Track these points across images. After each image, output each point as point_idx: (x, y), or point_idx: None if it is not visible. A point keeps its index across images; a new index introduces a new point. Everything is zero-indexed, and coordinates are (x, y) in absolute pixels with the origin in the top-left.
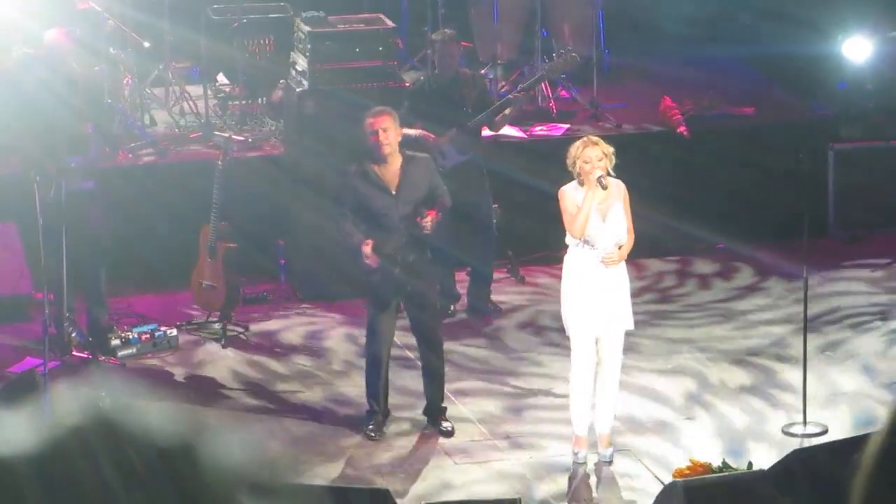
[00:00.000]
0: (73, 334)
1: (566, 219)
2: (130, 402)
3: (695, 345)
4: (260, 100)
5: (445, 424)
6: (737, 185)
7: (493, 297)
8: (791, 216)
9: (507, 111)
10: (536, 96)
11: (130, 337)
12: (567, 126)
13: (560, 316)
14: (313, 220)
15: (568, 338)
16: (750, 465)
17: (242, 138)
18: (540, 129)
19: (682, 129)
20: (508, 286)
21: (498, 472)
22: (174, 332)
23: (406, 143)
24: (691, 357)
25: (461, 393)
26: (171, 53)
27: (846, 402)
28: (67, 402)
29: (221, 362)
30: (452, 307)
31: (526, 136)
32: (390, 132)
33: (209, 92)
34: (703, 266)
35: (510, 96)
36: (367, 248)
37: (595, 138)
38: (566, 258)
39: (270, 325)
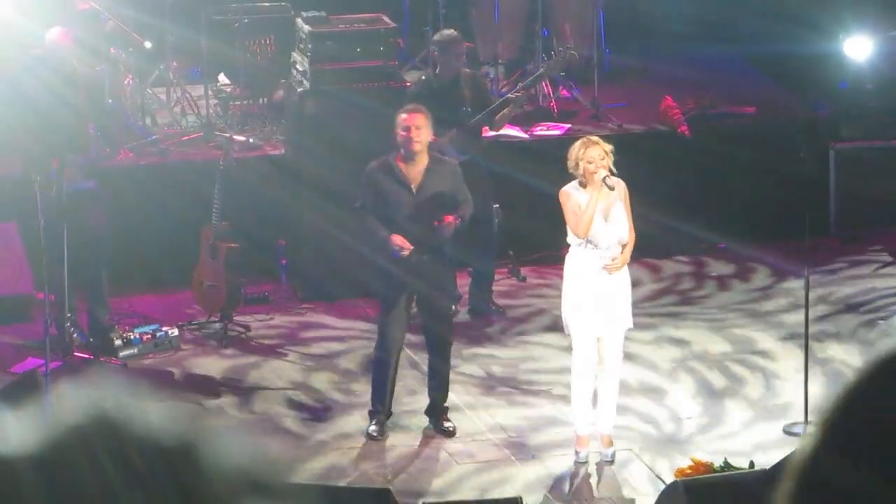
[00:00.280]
0: (75, 334)
1: (569, 219)
2: (132, 403)
3: (697, 343)
4: (261, 100)
5: (447, 424)
6: (738, 184)
7: (494, 297)
8: (792, 215)
9: (506, 110)
10: (537, 96)
11: (132, 337)
12: (568, 126)
13: (561, 315)
14: (314, 221)
15: (569, 337)
16: (752, 464)
17: (243, 138)
18: (541, 129)
19: (683, 128)
20: (509, 286)
21: (499, 471)
22: (175, 332)
23: None
24: (692, 355)
25: (463, 393)
26: (172, 53)
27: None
28: (69, 403)
29: (222, 362)
30: (454, 307)
31: (527, 136)
32: (423, 131)
33: (210, 92)
34: (708, 266)
35: (510, 95)
36: (397, 239)
37: (594, 138)
38: (568, 258)
39: (271, 325)
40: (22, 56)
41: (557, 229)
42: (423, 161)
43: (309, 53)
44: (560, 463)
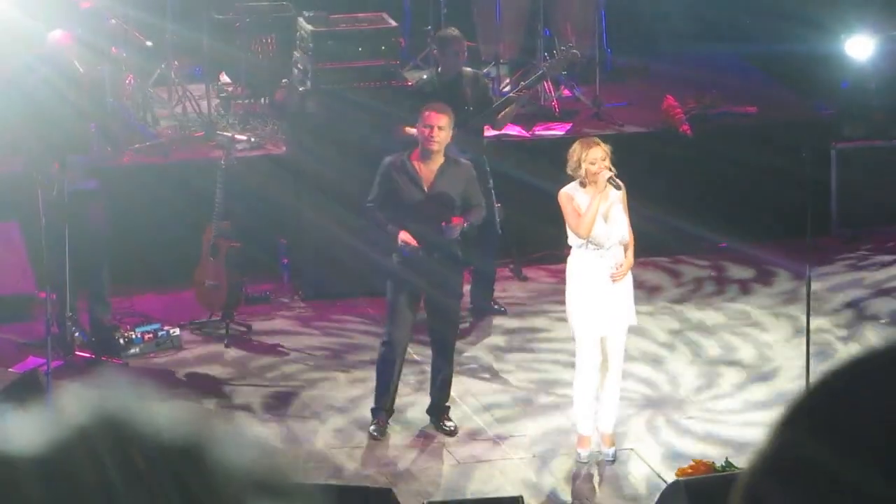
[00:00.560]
0: (76, 334)
1: (571, 221)
2: (138, 403)
3: (698, 342)
4: (262, 99)
5: (448, 424)
6: (739, 184)
7: (496, 296)
8: (794, 215)
9: (508, 109)
10: (539, 95)
11: (133, 336)
12: (570, 125)
13: (563, 316)
14: (316, 220)
15: (572, 338)
16: None
17: (245, 138)
18: (542, 128)
19: (684, 127)
20: (511, 285)
21: (500, 471)
22: (177, 331)
23: (407, 142)
24: (694, 352)
25: (464, 392)
26: (174, 53)
27: None
28: (71, 402)
29: (224, 361)
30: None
31: (528, 135)
32: (444, 132)
33: (212, 91)
34: (715, 267)
35: (511, 95)
36: (404, 235)
37: (594, 138)
38: (570, 259)
39: (273, 324)
40: (24, 55)
41: (559, 229)
42: (438, 160)
43: (310, 53)
44: (562, 463)
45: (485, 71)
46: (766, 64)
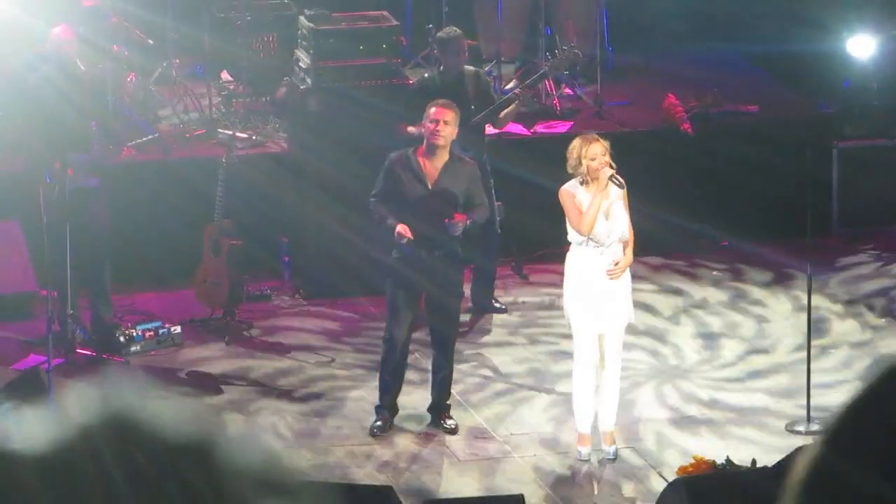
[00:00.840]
0: (78, 332)
1: (572, 218)
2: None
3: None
4: (264, 97)
5: (449, 422)
6: (740, 182)
7: (497, 295)
8: (795, 214)
9: (510, 108)
10: (540, 94)
11: (135, 334)
12: (571, 123)
13: (563, 314)
14: (317, 218)
15: (570, 336)
16: (754, 462)
17: (246, 136)
18: (543, 127)
19: (685, 126)
20: (512, 283)
21: (501, 469)
22: (178, 329)
23: (409, 141)
24: (693, 352)
25: (465, 391)
26: (175, 51)
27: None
28: (74, 401)
29: (225, 360)
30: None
31: (530, 134)
32: (450, 127)
33: (213, 89)
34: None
35: (513, 93)
36: (402, 228)
37: (593, 134)
38: (569, 256)
39: (274, 322)
40: (26, 53)
41: (560, 227)
42: (443, 157)
43: (312, 51)
44: (562, 461)
45: (486, 69)
46: (767, 63)
